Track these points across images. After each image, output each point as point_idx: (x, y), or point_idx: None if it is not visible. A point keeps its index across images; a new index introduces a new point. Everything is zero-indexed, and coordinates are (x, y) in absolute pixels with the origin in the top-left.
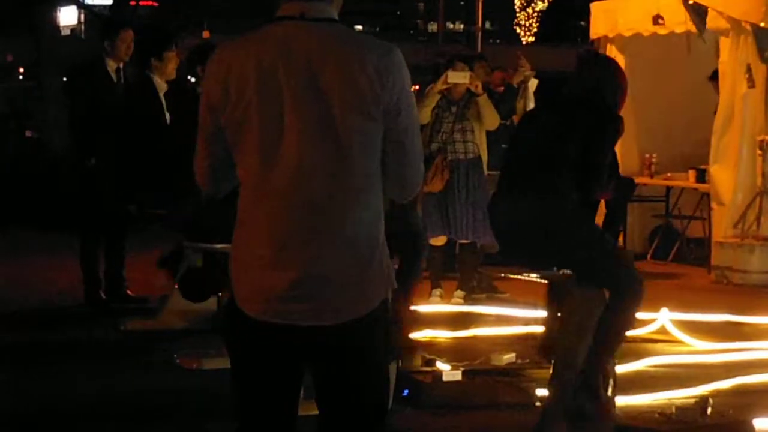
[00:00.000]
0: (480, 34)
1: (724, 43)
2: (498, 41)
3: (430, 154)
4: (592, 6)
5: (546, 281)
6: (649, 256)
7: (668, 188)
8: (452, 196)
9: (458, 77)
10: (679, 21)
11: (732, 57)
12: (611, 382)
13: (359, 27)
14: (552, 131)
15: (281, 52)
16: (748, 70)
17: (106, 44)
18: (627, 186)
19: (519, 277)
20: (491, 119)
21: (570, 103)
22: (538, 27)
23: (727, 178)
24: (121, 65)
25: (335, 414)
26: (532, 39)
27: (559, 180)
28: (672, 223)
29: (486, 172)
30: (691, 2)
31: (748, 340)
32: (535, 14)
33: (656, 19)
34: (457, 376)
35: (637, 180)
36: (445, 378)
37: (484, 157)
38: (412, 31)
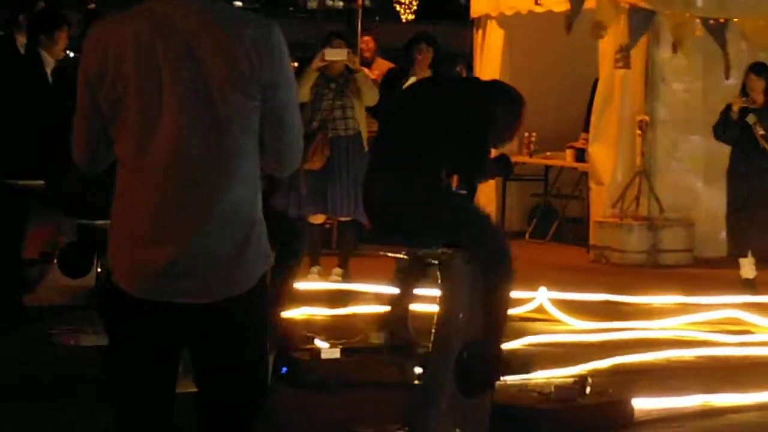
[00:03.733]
0: (360, 11)
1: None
2: (377, 18)
3: (311, 132)
4: None
5: (430, 259)
6: (527, 235)
7: (547, 167)
8: (332, 174)
9: (335, 54)
10: (557, 0)
11: (610, 37)
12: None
13: (239, 3)
14: (432, 109)
15: (159, 29)
16: (621, 50)
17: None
18: (504, 165)
19: (397, 255)
20: (371, 96)
21: (454, 83)
22: (418, 4)
23: (606, 158)
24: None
25: (214, 392)
26: (411, 17)
27: (437, 158)
28: (551, 203)
29: (366, 148)
30: None
31: (625, 319)
32: None
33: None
34: (336, 354)
35: (516, 159)
36: (323, 356)
37: (364, 134)
38: (291, 8)
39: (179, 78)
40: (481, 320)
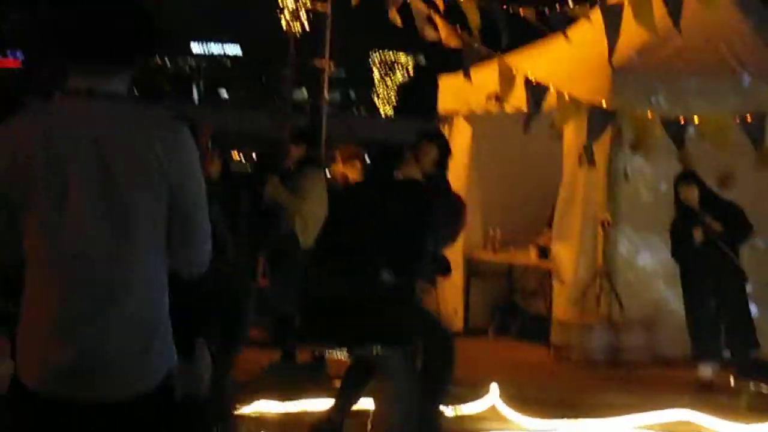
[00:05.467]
0: (324, 105)
1: (567, 123)
2: (361, 111)
3: None
4: (441, 80)
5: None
6: (490, 332)
7: (511, 264)
8: None
9: None
10: (518, 100)
11: (573, 136)
12: None
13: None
14: (373, 211)
15: (69, 127)
16: (585, 149)
17: None
18: (442, 266)
19: (335, 355)
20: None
21: (397, 185)
22: (397, 99)
23: (568, 257)
24: None
25: None
26: (390, 111)
27: (375, 258)
28: (515, 300)
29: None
30: (534, 83)
31: (579, 418)
32: (394, 86)
33: (495, 98)
34: None
35: (480, 256)
36: None
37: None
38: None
39: (85, 176)
40: (416, 420)
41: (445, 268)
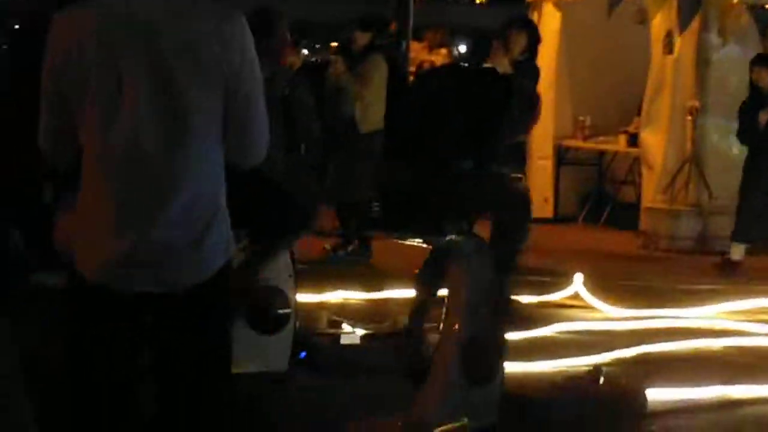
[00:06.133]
0: None
1: (652, 8)
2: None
3: None
4: None
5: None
6: (580, 219)
7: (601, 152)
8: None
9: None
10: None
11: (660, 22)
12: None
13: None
14: (450, 98)
15: (122, 19)
16: (667, 35)
17: None
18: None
19: (410, 242)
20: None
21: (469, 73)
22: None
23: (657, 144)
24: None
25: (174, 384)
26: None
27: (449, 146)
28: (604, 187)
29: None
30: None
31: (663, 307)
32: None
33: None
34: (355, 339)
35: (570, 143)
36: (342, 341)
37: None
38: None
39: (140, 69)
40: (487, 307)
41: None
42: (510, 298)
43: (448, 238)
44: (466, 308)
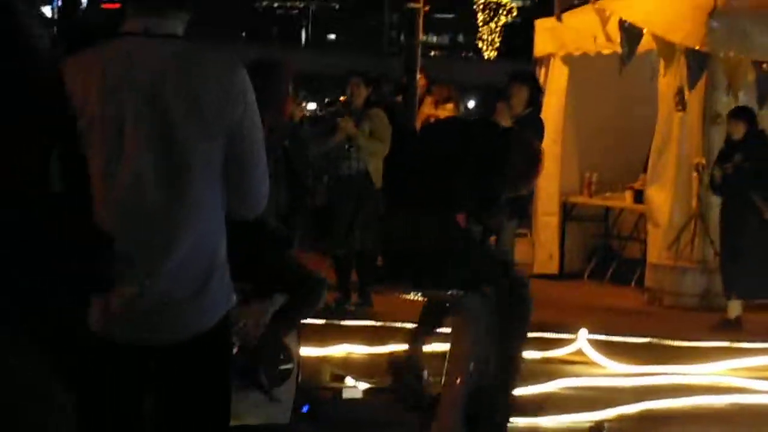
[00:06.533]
0: (418, 48)
1: (662, 66)
2: (471, 54)
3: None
4: (537, 23)
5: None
6: (586, 275)
7: (607, 208)
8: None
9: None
10: (612, 42)
11: (668, 80)
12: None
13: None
14: (446, 150)
15: (125, 68)
16: (679, 92)
17: None
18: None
19: (411, 297)
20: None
21: (470, 123)
22: (501, 41)
23: (663, 200)
24: None
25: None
26: (494, 54)
27: (449, 199)
28: (610, 244)
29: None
30: (627, 24)
31: (667, 363)
32: (498, 29)
33: (595, 39)
34: (357, 393)
35: (576, 199)
36: (344, 395)
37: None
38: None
39: (141, 117)
40: (494, 363)
41: (522, 212)
42: (515, 356)
43: (451, 293)
44: (469, 363)
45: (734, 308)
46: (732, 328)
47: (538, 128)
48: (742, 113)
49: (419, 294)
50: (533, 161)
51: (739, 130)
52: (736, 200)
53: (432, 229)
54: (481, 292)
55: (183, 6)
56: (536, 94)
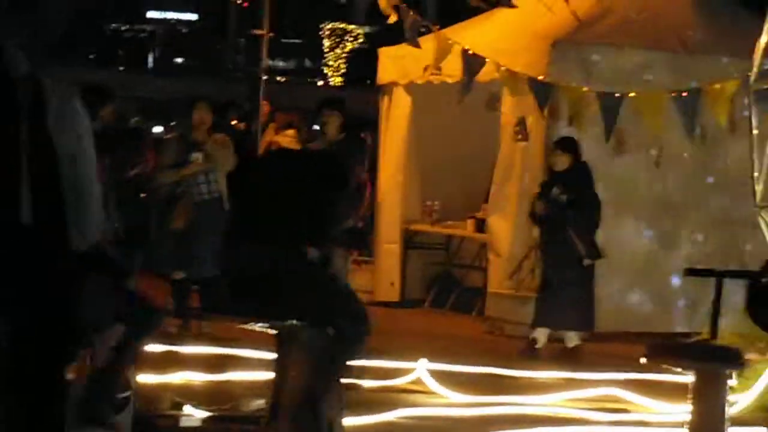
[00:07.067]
0: (263, 75)
1: (505, 95)
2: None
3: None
4: (380, 51)
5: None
6: (427, 303)
7: (449, 236)
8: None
9: None
10: (454, 71)
11: (510, 109)
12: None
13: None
14: (289, 178)
15: None
16: (520, 122)
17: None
18: (358, 239)
19: (249, 327)
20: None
21: (302, 157)
22: (347, 68)
23: (504, 229)
24: None
25: None
26: (339, 80)
27: (288, 229)
28: (451, 272)
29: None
30: (469, 53)
31: (507, 393)
32: (344, 55)
33: (428, 68)
34: (196, 422)
35: (418, 227)
36: (182, 423)
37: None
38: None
39: None
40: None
41: (360, 243)
42: (343, 384)
43: (289, 323)
44: (302, 393)
45: (540, 336)
46: (533, 355)
47: (355, 151)
48: (568, 144)
49: (259, 324)
50: (357, 192)
51: (564, 162)
52: (555, 233)
53: (276, 259)
54: (322, 324)
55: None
56: (348, 119)
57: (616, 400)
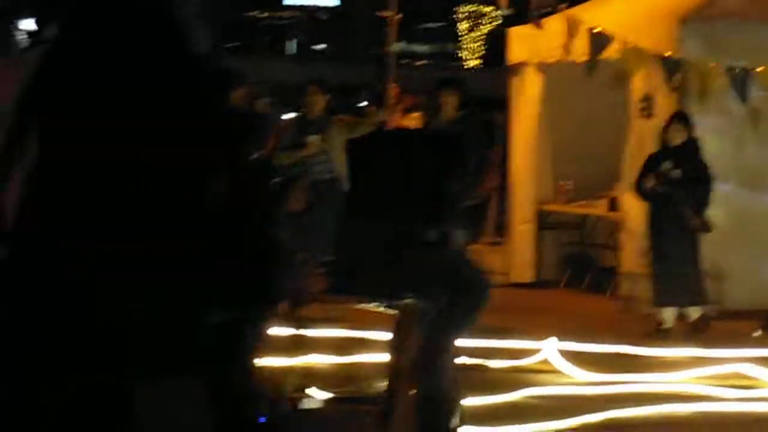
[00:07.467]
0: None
1: (632, 72)
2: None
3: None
4: (510, 31)
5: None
6: (562, 284)
7: (583, 216)
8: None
9: None
10: (584, 49)
11: (638, 86)
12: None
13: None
14: (405, 158)
15: None
16: (646, 98)
17: None
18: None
19: (367, 307)
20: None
21: (421, 135)
22: (485, 50)
23: (637, 207)
24: None
25: None
26: (478, 62)
27: (405, 208)
28: (586, 252)
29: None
30: (595, 31)
31: (635, 372)
32: (482, 37)
33: (567, 47)
34: (317, 403)
35: (552, 207)
36: (305, 405)
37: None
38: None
39: None
40: (431, 369)
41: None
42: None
43: (405, 301)
44: (419, 370)
45: (667, 317)
46: (664, 338)
47: (475, 131)
48: (685, 118)
49: (375, 303)
50: (481, 168)
51: (682, 136)
52: (665, 208)
53: (394, 239)
54: (436, 298)
55: None
56: (466, 98)
57: (745, 377)
